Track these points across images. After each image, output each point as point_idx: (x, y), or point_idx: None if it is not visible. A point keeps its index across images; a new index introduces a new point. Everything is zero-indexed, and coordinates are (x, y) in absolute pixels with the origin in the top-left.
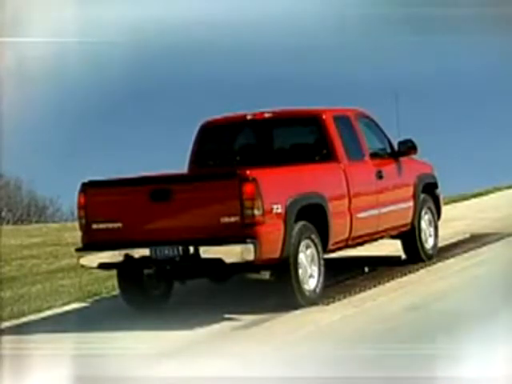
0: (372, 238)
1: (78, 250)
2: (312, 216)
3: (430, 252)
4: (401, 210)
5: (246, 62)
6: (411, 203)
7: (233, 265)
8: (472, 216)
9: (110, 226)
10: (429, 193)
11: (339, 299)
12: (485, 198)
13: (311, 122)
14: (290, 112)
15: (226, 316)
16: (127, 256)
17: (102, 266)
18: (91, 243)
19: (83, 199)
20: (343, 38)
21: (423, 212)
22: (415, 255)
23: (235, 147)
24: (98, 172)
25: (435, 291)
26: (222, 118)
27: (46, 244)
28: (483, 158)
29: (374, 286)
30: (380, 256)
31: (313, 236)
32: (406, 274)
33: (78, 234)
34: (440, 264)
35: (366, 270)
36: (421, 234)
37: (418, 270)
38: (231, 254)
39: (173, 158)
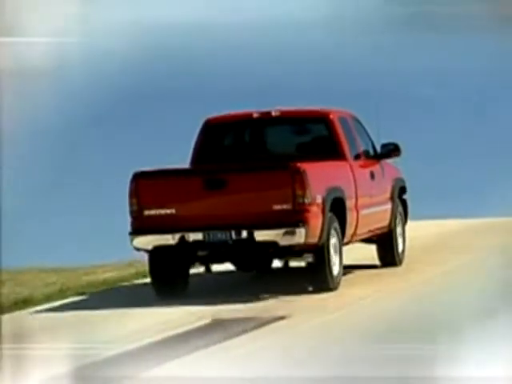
0: (365, 237)
1: (131, 233)
2: (335, 209)
3: (401, 257)
4: (383, 211)
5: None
6: (390, 205)
7: (284, 247)
8: None
9: (163, 212)
10: (399, 197)
11: None
12: None
13: (318, 121)
14: (296, 111)
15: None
16: (181, 239)
17: (156, 249)
18: (141, 228)
19: (134, 188)
20: (336, 39)
21: (397, 216)
22: (390, 260)
23: (238, 144)
24: (99, 172)
25: None
26: (225, 115)
27: None
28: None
29: None
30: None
31: (337, 226)
32: None
33: None
34: None
35: None
36: (397, 238)
37: None
38: (285, 236)
39: (173, 159)
